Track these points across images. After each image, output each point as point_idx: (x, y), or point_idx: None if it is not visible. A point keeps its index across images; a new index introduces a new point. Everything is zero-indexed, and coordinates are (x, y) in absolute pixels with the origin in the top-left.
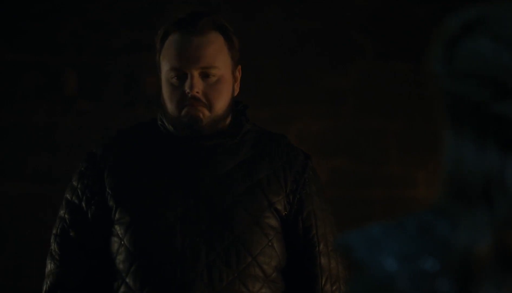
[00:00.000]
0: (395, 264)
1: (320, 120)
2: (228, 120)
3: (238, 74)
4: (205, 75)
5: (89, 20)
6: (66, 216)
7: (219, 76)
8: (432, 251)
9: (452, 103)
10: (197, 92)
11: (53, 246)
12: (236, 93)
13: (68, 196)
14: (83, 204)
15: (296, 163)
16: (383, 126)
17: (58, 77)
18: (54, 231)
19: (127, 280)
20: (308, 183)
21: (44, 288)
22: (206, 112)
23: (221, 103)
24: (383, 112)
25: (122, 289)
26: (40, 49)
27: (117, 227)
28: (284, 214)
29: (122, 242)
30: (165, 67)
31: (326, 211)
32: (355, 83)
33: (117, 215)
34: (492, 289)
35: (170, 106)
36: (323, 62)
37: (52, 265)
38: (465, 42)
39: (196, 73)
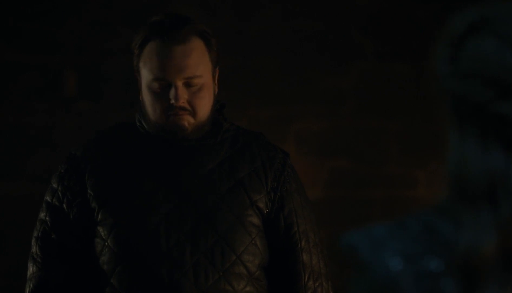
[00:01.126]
0: (399, 264)
1: (320, 120)
2: (210, 121)
3: (216, 75)
4: (188, 84)
5: (89, 20)
6: (47, 218)
7: (201, 84)
8: (436, 251)
9: (456, 103)
10: (183, 102)
11: (35, 248)
12: (215, 94)
13: (48, 198)
14: (64, 206)
15: (275, 160)
16: (383, 126)
17: (58, 77)
18: (35, 234)
19: (112, 281)
20: (287, 180)
21: (27, 291)
22: (191, 120)
23: (205, 109)
24: (383, 112)
25: (107, 290)
26: (40, 49)
27: (100, 229)
28: (265, 211)
29: (106, 243)
30: (147, 76)
31: (306, 208)
32: (355, 83)
33: (100, 216)
34: (496, 289)
35: (153, 114)
36: (323, 62)
37: (34, 268)
38: (469, 43)
39: (180, 83)
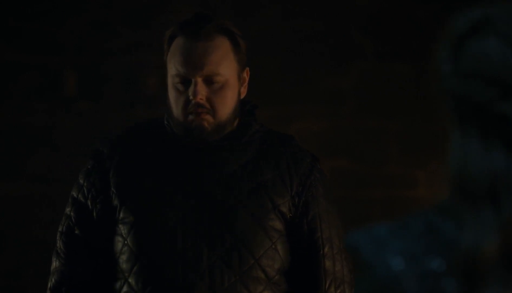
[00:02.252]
0: (401, 264)
1: (320, 120)
2: (236, 122)
3: (246, 76)
4: (209, 82)
5: (89, 20)
6: (72, 213)
7: (223, 83)
8: (438, 250)
9: (458, 103)
10: (201, 99)
11: (59, 243)
12: (243, 95)
13: (74, 193)
14: (89, 202)
15: (303, 164)
16: (383, 126)
17: (58, 77)
18: (60, 229)
19: (130, 280)
20: (314, 185)
21: (49, 285)
22: (211, 119)
23: (226, 109)
24: (383, 112)
25: (124, 288)
26: (40, 49)
27: (121, 227)
28: (289, 216)
29: (126, 242)
30: (170, 72)
31: (332, 214)
32: (355, 83)
33: (121, 214)
34: (498, 288)
35: (175, 110)
36: (323, 62)
37: (57, 262)
38: (471, 42)
39: (200, 80)
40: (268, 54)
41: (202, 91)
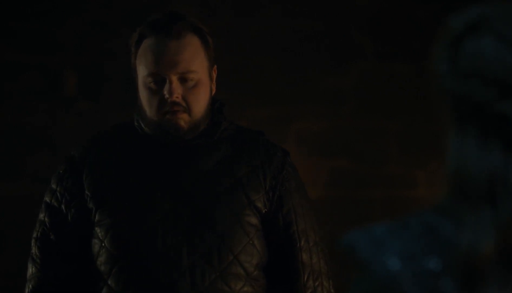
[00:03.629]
0: (398, 264)
1: (320, 120)
2: (207, 120)
3: (214, 74)
4: (183, 80)
5: (89, 20)
6: (46, 219)
7: (197, 80)
8: (436, 250)
9: (456, 103)
10: (177, 97)
11: (34, 249)
12: (213, 93)
13: (47, 199)
14: (63, 207)
15: (275, 159)
16: (383, 126)
17: (58, 77)
18: (34, 235)
19: (109, 282)
20: (287, 179)
21: (26, 292)
22: (187, 117)
23: (200, 106)
24: (383, 112)
25: (104, 290)
26: (40, 49)
27: (97, 229)
28: (264, 211)
29: (103, 244)
30: (142, 72)
31: (306, 207)
32: (355, 83)
33: (97, 217)
34: (495, 288)
35: (149, 111)
36: (323, 62)
37: (33, 268)
38: (469, 42)
39: (174, 78)
40: (268, 54)
41: (177, 89)
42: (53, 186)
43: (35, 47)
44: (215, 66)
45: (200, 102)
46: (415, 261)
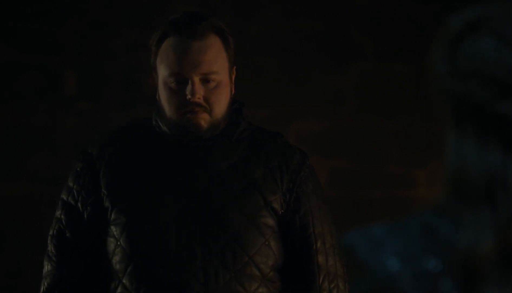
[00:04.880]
0: (397, 264)
1: (320, 120)
2: (226, 120)
3: (233, 75)
4: (205, 81)
5: (89, 20)
6: (62, 217)
7: (218, 81)
8: (435, 251)
9: (455, 103)
10: (199, 98)
11: (50, 247)
12: (232, 93)
13: (64, 196)
14: (79, 205)
15: (293, 161)
16: (383, 126)
17: (58, 77)
18: (50, 232)
19: (124, 280)
20: (304, 181)
21: (42, 289)
22: (207, 118)
23: (221, 107)
24: (383, 112)
25: (119, 289)
26: (40, 49)
27: (113, 228)
28: (280, 212)
29: (118, 243)
30: (163, 72)
31: (323, 210)
32: (355, 83)
33: (113, 216)
34: (495, 289)
35: (169, 110)
36: (323, 62)
37: (49, 266)
38: (468, 42)
39: (197, 79)
40: (268, 54)
41: (199, 90)
42: (70, 184)
43: (35, 47)
44: (235, 67)
45: (221, 103)
46: (414, 261)
